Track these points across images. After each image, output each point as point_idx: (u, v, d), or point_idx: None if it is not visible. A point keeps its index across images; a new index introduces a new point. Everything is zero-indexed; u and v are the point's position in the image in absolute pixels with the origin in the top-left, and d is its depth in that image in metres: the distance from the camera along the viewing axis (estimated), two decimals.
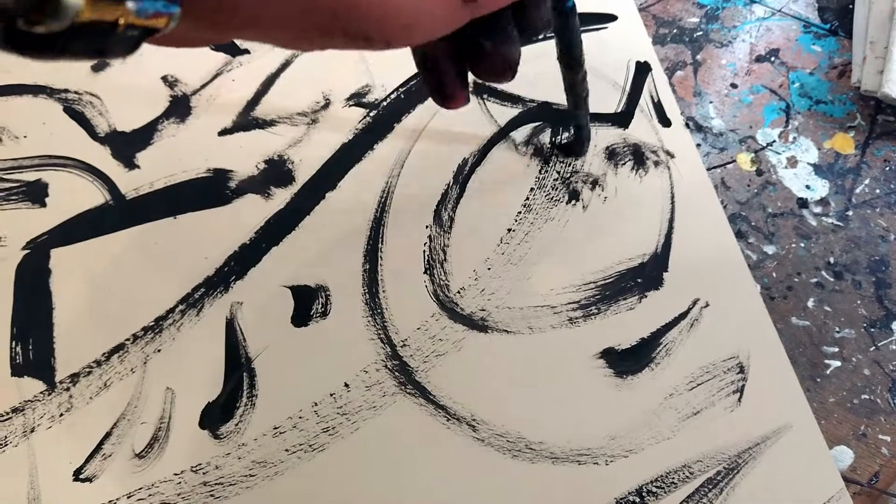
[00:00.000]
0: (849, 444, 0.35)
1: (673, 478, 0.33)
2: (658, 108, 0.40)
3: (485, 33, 0.25)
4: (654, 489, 0.33)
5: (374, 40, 0.20)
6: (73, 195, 0.38)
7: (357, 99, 0.40)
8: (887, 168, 0.39)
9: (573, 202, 0.38)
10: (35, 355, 0.35)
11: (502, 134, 0.39)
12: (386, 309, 0.36)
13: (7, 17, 0.14)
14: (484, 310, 0.36)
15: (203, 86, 0.41)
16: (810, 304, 0.37)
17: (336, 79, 0.41)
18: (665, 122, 0.40)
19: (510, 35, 0.25)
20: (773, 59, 0.42)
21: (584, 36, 0.41)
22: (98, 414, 0.34)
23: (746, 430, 0.34)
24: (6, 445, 0.33)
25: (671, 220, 0.38)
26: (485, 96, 0.40)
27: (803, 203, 0.39)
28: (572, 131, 0.37)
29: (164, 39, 0.17)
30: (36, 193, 0.38)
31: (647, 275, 0.36)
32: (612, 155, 0.39)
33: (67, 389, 0.34)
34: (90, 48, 0.16)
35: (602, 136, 0.39)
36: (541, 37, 0.42)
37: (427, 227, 0.37)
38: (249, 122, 0.40)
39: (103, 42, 0.16)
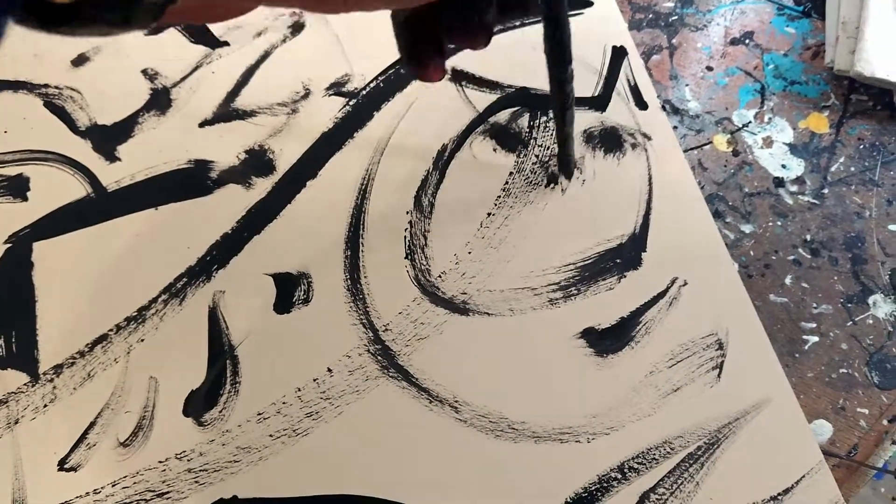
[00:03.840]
0: (827, 417, 0.35)
1: (654, 453, 0.33)
2: (635, 91, 0.40)
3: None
4: (636, 465, 0.33)
5: None
6: (54, 189, 0.38)
7: (337, 88, 0.41)
8: (861, 146, 0.40)
9: (552, 185, 0.38)
10: (18, 348, 0.35)
11: (481, 119, 0.40)
12: (368, 294, 0.36)
13: None
14: (465, 293, 0.36)
15: (183, 78, 0.41)
16: (788, 281, 0.37)
17: (316, 69, 0.41)
18: (642, 105, 0.40)
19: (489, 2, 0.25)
20: (747, 41, 0.42)
21: None
22: (82, 404, 0.34)
23: (726, 406, 0.34)
24: None
25: (649, 202, 0.38)
26: (463, 83, 0.41)
27: (779, 182, 0.39)
28: (556, 148, 0.36)
29: (184, 12, 0.17)
30: (17, 187, 0.38)
31: (626, 255, 0.37)
32: (589, 138, 0.39)
33: (51, 381, 0.34)
34: (117, 16, 0.15)
35: (579, 120, 0.39)
36: (519, 23, 0.42)
37: (408, 212, 0.38)
38: (230, 113, 0.40)
39: (129, 10, 0.15)
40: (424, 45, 0.27)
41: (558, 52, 0.28)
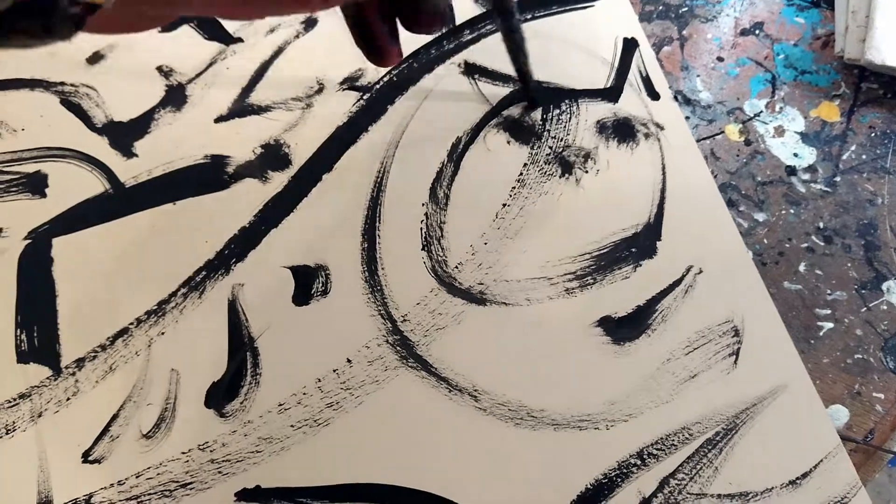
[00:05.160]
0: (844, 402, 0.35)
1: (673, 440, 0.34)
2: (647, 82, 0.41)
3: None
4: (655, 451, 0.33)
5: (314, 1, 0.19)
6: (72, 185, 0.38)
7: (350, 83, 0.41)
8: (872, 134, 0.40)
9: (566, 176, 0.38)
10: (40, 342, 0.35)
11: (494, 112, 0.40)
12: (385, 286, 0.36)
13: None
14: (482, 283, 0.36)
15: (198, 74, 0.41)
16: (802, 268, 0.38)
17: (329, 64, 0.41)
18: (654, 95, 0.40)
19: None
20: (757, 31, 0.43)
21: (572, 14, 0.42)
22: (104, 397, 0.34)
23: (743, 392, 0.34)
24: (15, 431, 0.34)
25: (663, 191, 0.38)
26: (476, 76, 0.41)
27: (792, 171, 0.40)
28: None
29: (108, 23, 0.17)
30: (36, 184, 0.38)
31: (641, 244, 0.37)
32: (602, 129, 0.39)
33: (73, 374, 0.35)
34: (36, 26, 0.16)
35: (592, 111, 0.40)
36: (530, 16, 0.42)
37: (423, 204, 0.38)
38: (245, 109, 0.40)
39: (48, 19, 0.16)
40: (380, 35, 0.27)
41: (502, 8, 0.31)
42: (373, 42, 0.27)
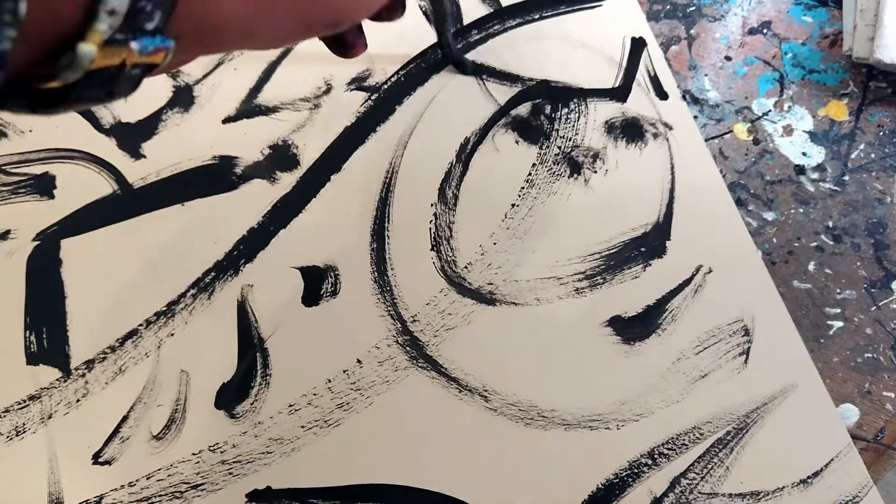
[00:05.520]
0: (854, 401, 0.35)
1: (684, 439, 0.34)
2: (655, 81, 0.41)
3: None
4: (666, 451, 0.33)
5: (342, 24, 0.22)
6: (80, 186, 0.38)
7: (358, 83, 0.41)
8: (881, 133, 0.40)
9: (575, 176, 0.38)
10: (49, 343, 0.35)
11: (503, 112, 0.40)
12: (395, 286, 0.36)
13: (23, 78, 0.14)
14: (491, 283, 0.36)
15: (205, 75, 0.41)
16: (811, 267, 0.38)
17: (336, 64, 0.41)
18: (662, 95, 0.40)
19: None
20: (765, 31, 0.43)
21: (579, 14, 0.42)
22: (114, 398, 0.34)
23: (754, 391, 0.34)
24: (25, 432, 0.34)
25: (672, 190, 0.38)
26: (484, 76, 0.41)
27: (800, 170, 0.39)
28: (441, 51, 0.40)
29: (158, 70, 0.18)
30: (44, 186, 0.38)
31: (651, 244, 0.37)
32: (611, 129, 0.39)
33: (83, 375, 0.35)
34: (101, 92, 0.16)
35: (601, 111, 0.40)
36: (538, 16, 0.42)
37: (432, 204, 0.38)
38: (253, 109, 0.40)
39: (112, 84, 0.16)
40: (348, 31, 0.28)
41: None
42: (340, 38, 0.28)
